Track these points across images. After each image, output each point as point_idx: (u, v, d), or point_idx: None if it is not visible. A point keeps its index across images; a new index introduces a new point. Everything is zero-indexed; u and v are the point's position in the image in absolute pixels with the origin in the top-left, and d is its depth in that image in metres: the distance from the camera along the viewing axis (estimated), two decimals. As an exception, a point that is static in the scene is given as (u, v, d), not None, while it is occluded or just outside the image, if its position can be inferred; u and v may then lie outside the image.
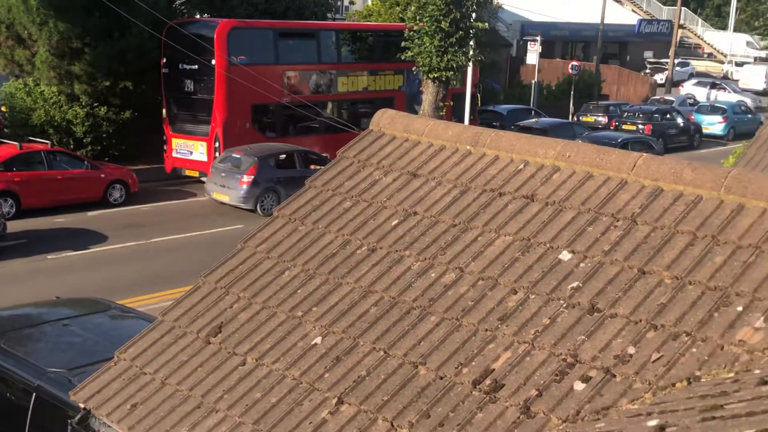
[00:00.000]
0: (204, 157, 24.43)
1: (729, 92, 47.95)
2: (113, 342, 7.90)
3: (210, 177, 22.47)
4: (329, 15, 34.81)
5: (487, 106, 34.65)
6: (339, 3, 41.64)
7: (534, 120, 32.40)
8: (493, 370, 4.05)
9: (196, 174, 24.67)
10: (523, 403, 3.84)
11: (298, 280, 5.03)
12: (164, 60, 25.11)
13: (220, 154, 23.54)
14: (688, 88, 48.69)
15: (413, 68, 25.88)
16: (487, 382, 4.00)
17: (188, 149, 24.95)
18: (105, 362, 5.24)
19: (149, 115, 26.55)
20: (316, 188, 5.62)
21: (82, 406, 4.90)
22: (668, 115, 35.64)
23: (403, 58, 24.91)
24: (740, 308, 3.87)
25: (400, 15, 32.00)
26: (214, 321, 5.00)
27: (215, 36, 23.82)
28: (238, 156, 22.13)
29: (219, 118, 24.05)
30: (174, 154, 25.28)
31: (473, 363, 4.12)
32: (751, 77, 56.01)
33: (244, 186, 21.30)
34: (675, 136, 35.00)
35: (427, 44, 24.01)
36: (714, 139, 37.21)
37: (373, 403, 4.13)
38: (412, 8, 24.85)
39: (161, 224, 20.84)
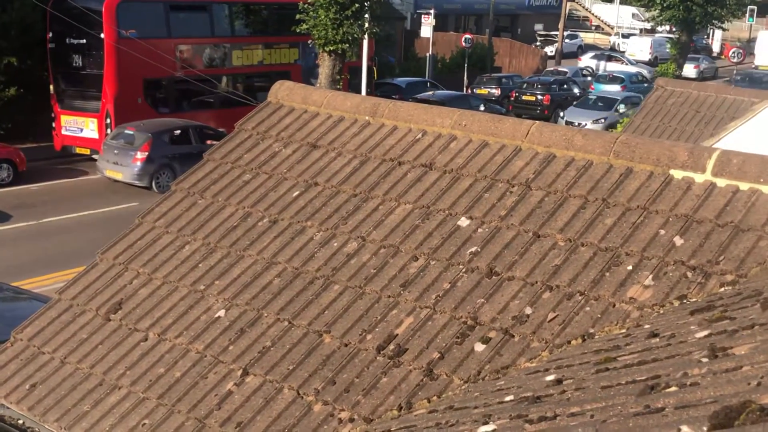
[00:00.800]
0: (95, 134, 23.76)
1: (624, 64, 49.24)
2: (7, 324, 7.69)
3: (102, 154, 21.90)
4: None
5: (385, 79, 34.78)
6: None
7: (431, 93, 32.79)
8: (397, 335, 4.13)
9: (87, 152, 23.98)
10: (426, 366, 3.93)
11: (199, 254, 5.00)
12: (50, 34, 24.22)
13: (111, 130, 22.97)
14: (586, 60, 49.77)
15: (309, 41, 25.73)
16: (391, 347, 4.08)
17: (78, 126, 24.21)
18: (2, 344, 5.10)
19: (36, 92, 25.60)
20: (214, 161, 5.57)
21: (-23, 389, 4.77)
22: (565, 86, 36.75)
23: (298, 30, 24.72)
24: (630, 267, 4.05)
25: (294, -13, 31.65)
26: (114, 298, 4.92)
27: (104, 9, 23.11)
28: (131, 132, 21.63)
29: (109, 93, 23.43)
30: (64, 132, 24.48)
31: (377, 329, 4.19)
32: (638, 49, 57.74)
33: (138, 163, 20.84)
34: (570, 105, 35.79)
35: (323, 17, 23.89)
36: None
37: (278, 373, 4.16)
38: (307, -20, 24.65)
39: (52, 204, 20.23)
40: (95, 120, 23.78)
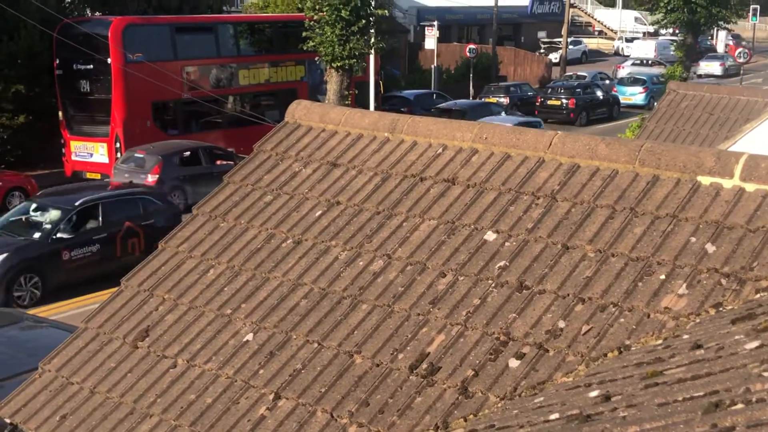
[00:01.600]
0: (105, 159, 23.92)
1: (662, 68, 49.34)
2: (31, 354, 7.69)
3: (113, 178, 21.88)
4: (225, 8, 34.35)
5: (393, 91, 34.84)
6: (234, -4, 41.09)
7: (453, 102, 33.21)
8: (429, 353, 4.09)
9: (98, 176, 24.02)
10: (461, 384, 3.88)
11: (224, 278, 4.97)
12: (57, 61, 24.38)
13: (121, 154, 23.07)
14: (628, 69, 49.84)
15: (315, 58, 25.80)
16: (424, 366, 4.03)
17: (88, 151, 24.37)
18: (25, 375, 5.09)
19: (45, 119, 25.72)
20: (234, 183, 5.55)
21: (8, 421, 4.74)
22: (588, 89, 37.94)
23: (305, 48, 24.79)
24: (663, 276, 4.00)
25: (299, 5, 31.79)
26: (140, 325, 4.90)
27: (110, 34, 23.33)
28: (141, 155, 21.69)
29: (118, 117, 23.56)
30: (74, 157, 24.65)
31: (408, 348, 4.15)
32: (642, 52, 57.68)
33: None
34: (596, 107, 37.31)
35: (329, 33, 23.93)
36: (636, 109, 38.84)
37: (311, 396, 4.12)
38: (311, -2, 24.72)
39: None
40: (105, 144, 23.95)
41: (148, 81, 23.02)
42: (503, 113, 32.13)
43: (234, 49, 27.39)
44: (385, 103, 31.23)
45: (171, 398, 4.41)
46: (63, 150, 24.93)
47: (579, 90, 37.38)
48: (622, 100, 39.28)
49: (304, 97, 24.82)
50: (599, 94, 37.92)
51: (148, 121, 24.15)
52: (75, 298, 15.53)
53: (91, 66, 23.87)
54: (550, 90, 38.03)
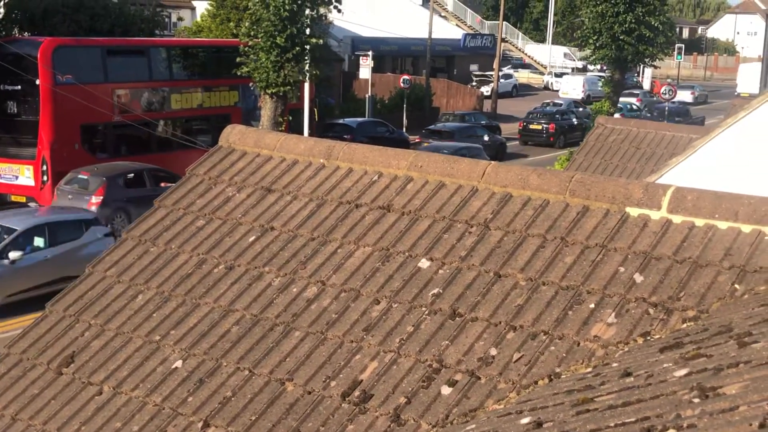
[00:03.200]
0: (31, 182, 23.39)
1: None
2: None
3: (56, 199, 21.47)
4: (157, 32, 34.07)
5: (334, 119, 35.02)
6: (167, 20, 40.79)
7: (442, 124, 37.35)
8: (362, 381, 4.06)
9: (23, 199, 23.55)
10: (393, 412, 3.87)
11: (153, 304, 4.88)
12: None
13: (48, 177, 22.64)
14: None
15: (250, 84, 25.70)
16: (356, 393, 4.01)
17: (14, 173, 23.78)
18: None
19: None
20: (166, 207, 5.47)
21: None
22: (565, 115, 43.16)
23: (239, 73, 24.68)
24: (592, 305, 4.06)
25: (233, 31, 31.72)
26: (65, 351, 4.77)
27: (39, 54, 22.88)
28: (85, 177, 21.33)
29: (46, 139, 23.10)
30: None
31: (341, 375, 4.12)
32: (571, 87, 58.99)
33: (93, 207, 20.47)
34: (570, 131, 41.49)
35: (264, 60, 23.90)
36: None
37: (241, 424, 4.05)
38: (246, 24, 24.69)
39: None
40: (31, 167, 23.36)
41: (77, 103, 22.74)
42: (485, 137, 35.57)
43: (166, 72, 27.08)
44: (328, 131, 31.24)
45: (96, 426, 4.30)
46: None
47: (558, 116, 42.23)
48: None
49: (237, 122, 24.64)
50: (574, 120, 42.59)
51: (77, 144, 23.77)
52: (-4, 323, 15.07)
53: (19, 87, 23.41)
54: (530, 115, 42.46)
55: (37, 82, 22.80)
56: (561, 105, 46.88)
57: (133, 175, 22.00)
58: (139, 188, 21.57)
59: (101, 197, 20.69)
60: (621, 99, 41.67)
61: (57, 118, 23.14)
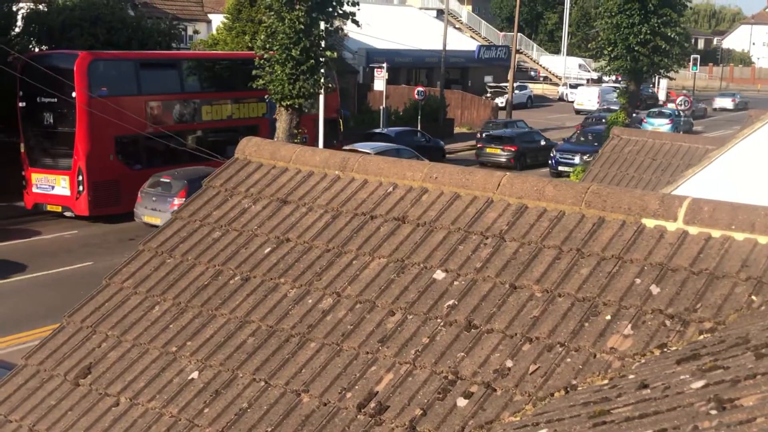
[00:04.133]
0: (67, 191, 24.06)
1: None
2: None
3: (140, 201, 22.80)
4: (174, 44, 34.26)
5: (375, 129, 36.20)
6: (183, 33, 41.04)
7: (502, 130, 37.58)
8: (377, 392, 4.07)
9: (59, 209, 24.17)
10: (409, 424, 3.87)
11: (169, 315, 4.90)
12: (21, 93, 24.29)
13: (83, 187, 23.40)
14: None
15: (265, 96, 25.89)
16: (372, 405, 4.01)
17: (50, 183, 24.42)
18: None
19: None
20: (182, 219, 5.50)
21: (-59, 461, 4.59)
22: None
23: (255, 86, 24.84)
24: (608, 317, 4.05)
25: (249, 44, 31.86)
26: (83, 362, 4.79)
27: (75, 68, 23.49)
28: (167, 180, 22.84)
29: (82, 151, 23.75)
30: (35, 190, 24.70)
31: (356, 387, 4.12)
32: (586, 98, 58.90)
33: (176, 208, 20.85)
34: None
35: (279, 72, 24.00)
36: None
37: (257, 435, 4.06)
38: (261, 37, 24.79)
39: (3, 266, 19.79)
40: (67, 177, 24.01)
41: (112, 115, 23.31)
42: (542, 141, 36.78)
43: (197, 85, 27.89)
44: (368, 140, 31.85)
45: (113, 437, 4.31)
46: (23, 182, 24.83)
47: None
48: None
49: (265, 133, 26.10)
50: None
51: (111, 155, 24.39)
52: (15, 334, 15.16)
53: (55, 99, 23.85)
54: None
55: (74, 95, 23.42)
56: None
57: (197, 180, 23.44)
58: None
59: (183, 198, 21.64)
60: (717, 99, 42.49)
61: (92, 129, 23.76)
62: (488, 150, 36.79)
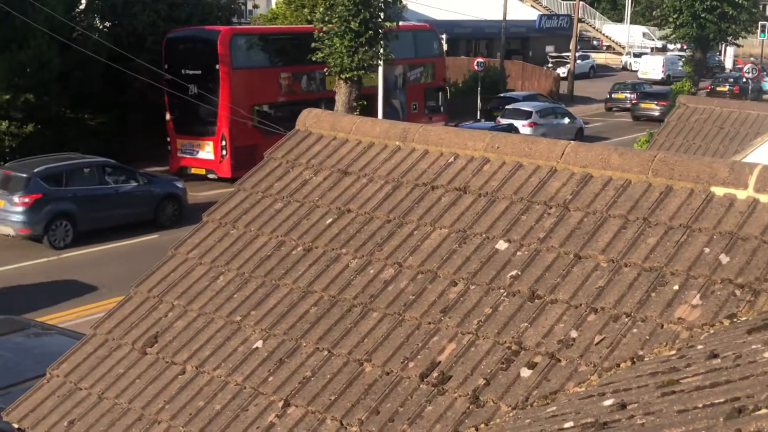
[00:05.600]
0: (211, 156, 26.07)
1: None
2: (37, 360, 7.67)
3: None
4: (234, 19, 34.45)
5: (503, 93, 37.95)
6: (243, 7, 41.27)
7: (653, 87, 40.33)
8: (440, 362, 4.06)
9: (203, 171, 26.20)
10: (472, 393, 3.86)
11: (233, 285, 4.95)
12: (166, 66, 26.08)
13: (226, 152, 25.40)
14: None
15: (324, 69, 26.37)
16: (434, 374, 4.01)
17: (193, 148, 26.37)
18: (32, 381, 5.07)
19: (54, 127, 25.83)
20: (245, 191, 5.54)
21: (16, 426, 4.72)
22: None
23: (314, 59, 24.93)
24: (676, 287, 3.97)
25: (308, 17, 31.91)
26: (149, 331, 4.88)
27: (218, 41, 25.59)
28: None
29: (224, 118, 25.62)
30: (179, 154, 26.69)
31: (419, 357, 4.12)
32: (650, 68, 57.70)
33: None
34: None
35: (338, 45, 23.98)
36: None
37: (320, 404, 4.09)
38: (320, 10, 24.81)
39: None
40: (211, 143, 26.11)
41: (249, 85, 25.78)
42: None
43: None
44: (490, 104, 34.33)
45: (179, 405, 4.39)
46: (169, 148, 26.70)
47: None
48: None
49: (376, 100, 27.75)
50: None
51: (249, 122, 26.10)
52: (82, 306, 15.53)
53: (200, 71, 25.81)
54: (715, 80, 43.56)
55: (216, 67, 25.44)
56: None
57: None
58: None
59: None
60: None
61: (234, 98, 25.70)
62: (642, 105, 40.56)
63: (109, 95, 27.85)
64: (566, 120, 33.95)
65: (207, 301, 4.90)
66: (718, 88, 44.67)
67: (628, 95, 42.98)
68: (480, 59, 42.88)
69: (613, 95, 44.38)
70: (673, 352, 3.55)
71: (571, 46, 50.78)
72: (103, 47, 24.70)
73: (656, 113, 38.82)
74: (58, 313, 15.04)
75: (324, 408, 4.06)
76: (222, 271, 5.05)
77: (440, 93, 33.03)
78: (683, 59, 39.62)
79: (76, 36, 25.17)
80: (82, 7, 28.51)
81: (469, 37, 56.30)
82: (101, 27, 29.05)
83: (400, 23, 27.12)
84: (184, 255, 5.26)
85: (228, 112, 25.60)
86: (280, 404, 4.17)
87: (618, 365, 3.72)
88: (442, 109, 32.71)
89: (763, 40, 61.16)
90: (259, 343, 4.53)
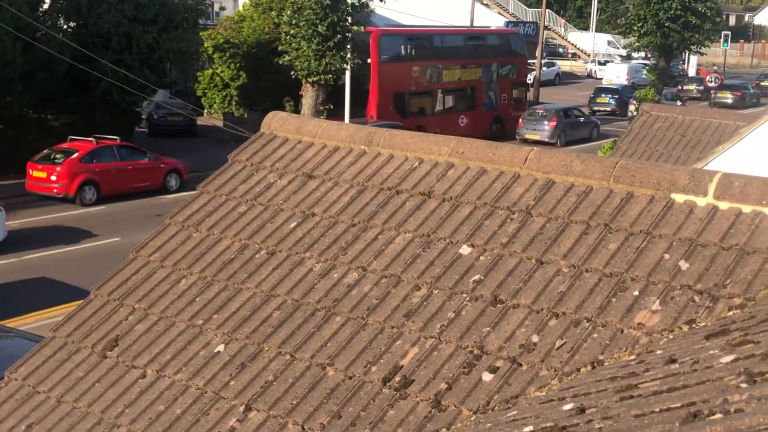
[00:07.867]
0: None
1: None
2: (-4, 363, 7.54)
3: (522, 125, 35.53)
4: (201, 21, 34.27)
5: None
6: (209, 9, 41.01)
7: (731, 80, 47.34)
8: (402, 366, 4.06)
9: None
10: (434, 397, 3.86)
11: (195, 288, 4.91)
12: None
13: None
14: None
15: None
16: (397, 378, 4.01)
17: None
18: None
19: (15, 128, 25.52)
20: (208, 193, 5.51)
21: (-29, 431, 4.65)
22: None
23: (281, 62, 24.88)
24: (636, 293, 4.01)
25: (275, 20, 31.86)
26: (110, 334, 4.83)
27: (371, 40, 31.24)
28: (540, 111, 36.26)
29: (374, 103, 31.84)
30: None
31: (381, 361, 4.12)
32: (615, 75, 58.30)
33: (550, 129, 35.23)
34: None
35: (305, 48, 23.96)
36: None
37: (282, 408, 4.07)
38: (288, 13, 24.77)
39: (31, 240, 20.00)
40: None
41: (391, 76, 32.28)
42: None
43: (442, 54, 36.45)
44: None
45: (139, 409, 4.35)
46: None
47: None
48: None
49: (480, 93, 37.30)
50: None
51: (390, 107, 32.20)
52: (43, 309, 15.35)
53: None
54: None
55: (369, 61, 31.18)
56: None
57: (564, 111, 36.26)
58: (572, 119, 36.38)
59: (554, 122, 35.21)
60: None
61: (381, 87, 32.24)
62: (719, 94, 48.56)
63: (75, 96, 27.59)
64: (582, 119, 38.66)
65: (168, 304, 4.86)
66: (686, 87, 53.56)
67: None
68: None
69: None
70: (633, 357, 3.58)
71: (537, 53, 51.15)
72: (67, 47, 24.46)
73: (729, 101, 47.04)
74: (19, 317, 14.84)
75: (286, 412, 4.04)
76: (184, 275, 5.02)
77: (523, 88, 40.30)
78: (647, 67, 40.04)
79: (39, 36, 24.90)
80: (45, 6, 28.23)
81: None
82: (65, 27, 28.77)
83: (493, 27, 33.80)
84: (145, 257, 5.21)
85: (377, 98, 31.98)
86: (242, 408, 4.15)
87: (578, 370, 3.75)
88: (523, 101, 39.80)
89: (726, 49, 62.06)
90: (221, 347, 4.50)
